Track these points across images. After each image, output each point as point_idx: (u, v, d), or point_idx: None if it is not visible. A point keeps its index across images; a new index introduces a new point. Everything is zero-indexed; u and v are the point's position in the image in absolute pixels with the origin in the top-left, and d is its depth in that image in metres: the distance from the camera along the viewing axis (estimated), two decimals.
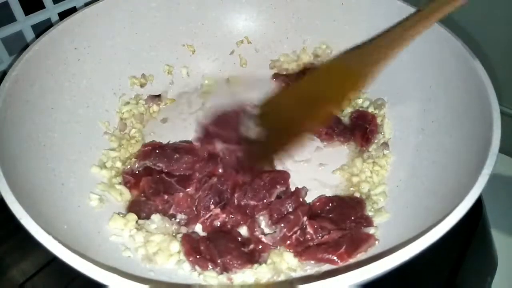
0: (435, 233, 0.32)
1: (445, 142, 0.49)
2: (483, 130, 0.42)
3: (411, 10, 0.56)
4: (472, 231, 0.52)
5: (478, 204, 0.54)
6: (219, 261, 0.44)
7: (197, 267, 0.44)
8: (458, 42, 0.50)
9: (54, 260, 0.38)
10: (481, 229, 0.53)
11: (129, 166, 0.55)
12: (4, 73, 0.47)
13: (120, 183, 0.53)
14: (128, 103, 0.62)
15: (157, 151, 0.55)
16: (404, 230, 0.42)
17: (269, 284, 0.44)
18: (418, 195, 0.48)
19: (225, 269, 0.44)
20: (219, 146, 0.55)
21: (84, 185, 0.51)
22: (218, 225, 0.49)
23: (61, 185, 0.47)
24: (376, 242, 0.45)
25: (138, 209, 0.50)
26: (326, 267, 0.44)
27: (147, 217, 0.49)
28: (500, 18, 0.69)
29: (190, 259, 0.45)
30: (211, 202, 0.50)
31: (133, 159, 0.56)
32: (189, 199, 0.50)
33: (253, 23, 0.69)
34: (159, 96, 0.65)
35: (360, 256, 0.44)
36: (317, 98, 0.49)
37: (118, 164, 0.55)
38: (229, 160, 0.54)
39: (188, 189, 0.52)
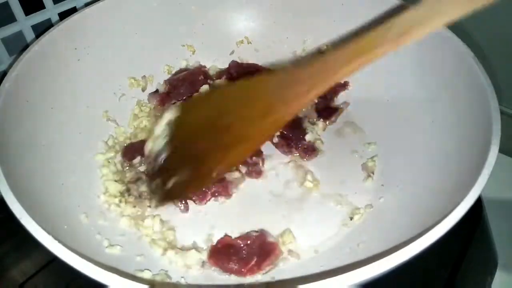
0: (435, 233, 0.32)
1: (445, 142, 0.49)
2: (483, 130, 0.42)
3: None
4: (472, 231, 0.52)
5: (478, 204, 0.54)
6: None
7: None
8: (458, 42, 0.50)
9: (54, 260, 0.38)
10: (481, 229, 0.53)
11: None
12: (4, 73, 0.47)
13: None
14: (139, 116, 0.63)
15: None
16: (404, 230, 0.42)
17: (269, 284, 0.44)
18: (418, 195, 0.48)
19: None
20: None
21: (84, 185, 0.51)
22: None
23: (61, 185, 0.47)
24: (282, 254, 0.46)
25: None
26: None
27: None
28: (500, 18, 0.69)
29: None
30: None
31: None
32: None
33: (253, 23, 0.69)
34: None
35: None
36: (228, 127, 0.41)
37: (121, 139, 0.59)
38: None
39: None
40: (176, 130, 0.44)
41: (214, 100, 0.46)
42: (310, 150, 0.57)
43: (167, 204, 0.46)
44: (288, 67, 0.47)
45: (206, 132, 0.42)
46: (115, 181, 0.53)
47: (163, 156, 0.45)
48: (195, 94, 0.60)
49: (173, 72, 0.67)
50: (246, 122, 0.40)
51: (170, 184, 0.43)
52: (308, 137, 0.58)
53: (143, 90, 0.65)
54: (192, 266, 0.46)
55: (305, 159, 0.57)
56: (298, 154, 0.57)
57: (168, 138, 0.45)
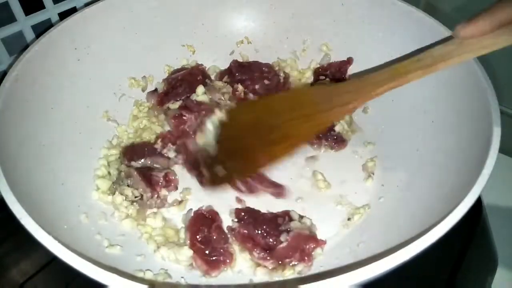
0: (435, 233, 0.32)
1: (445, 142, 0.49)
2: (483, 130, 0.42)
3: (411, 9, 0.56)
4: (472, 231, 0.52)
5: (478, 204, 0.54)
6: None
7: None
8: None
9: (54, 260, 0.38)
10: (481, 229, 0.53)
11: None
12: (4, 73, 0.47)
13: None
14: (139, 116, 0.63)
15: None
16: (404, 230, 0.42)
17: (269, 284, 0.44)
18: (418, 195, 0.48)
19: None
20: None
21: (84, 185, 0.51)
22: None
23: (61, 185, 0.48)
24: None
25: None
26: None
27: None
28: None
29: None
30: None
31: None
32: None
33: (253, 23, 0.69)
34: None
35: None
36: (276, 127, 0.47)
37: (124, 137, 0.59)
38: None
39: None
40: (226, 128, 0.51)
41: (264, 105, 0.54)
42: (340, 141, 0.59)
43: (213, 188, 0.51)
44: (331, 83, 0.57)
45: (256, 130, 0.49)
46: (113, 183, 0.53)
47: (212, 149, 0.51)
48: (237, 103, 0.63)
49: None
50: (293, 124, 0.46)
51: (217, 171, 0.49)
52: (337, 129, 0.59)
53: (143, 90, 0.65)
54: (182, 261, 0.46)
55: (333, 150, 0.59)
56: (327, 144, 0.58)
57: (218, 134, 0.51)
